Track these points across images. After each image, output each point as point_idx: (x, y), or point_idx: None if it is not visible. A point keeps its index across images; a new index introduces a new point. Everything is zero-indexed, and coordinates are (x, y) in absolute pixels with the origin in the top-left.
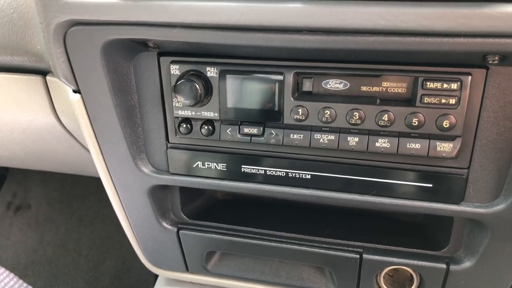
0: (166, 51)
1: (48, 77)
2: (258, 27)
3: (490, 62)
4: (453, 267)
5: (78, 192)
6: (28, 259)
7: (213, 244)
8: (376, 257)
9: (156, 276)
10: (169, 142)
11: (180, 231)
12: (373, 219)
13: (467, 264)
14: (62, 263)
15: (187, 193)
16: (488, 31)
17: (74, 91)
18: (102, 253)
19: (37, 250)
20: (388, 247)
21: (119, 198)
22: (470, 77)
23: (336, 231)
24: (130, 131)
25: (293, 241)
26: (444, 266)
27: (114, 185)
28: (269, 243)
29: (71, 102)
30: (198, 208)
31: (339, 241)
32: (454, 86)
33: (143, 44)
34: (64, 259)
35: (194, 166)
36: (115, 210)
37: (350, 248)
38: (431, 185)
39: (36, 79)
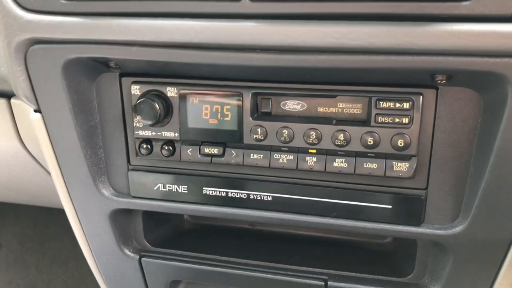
0: (127, 71)
1: (12, 100)
2: (212, 45)
3: (439, 82)
4: None
5: (52, 230)
6: None
7: (176, 273)
8: (341, 284)
9: None
10: (130, 164)
11: (142, 258)
12: (340, 247)
13: None
14: None
15: (150, 219)
16: (431, 48)
17: (35, 111)
18: None
19: None
20: (353, 274)
21: (80, 223)
22: (421, 97)
23: (302, 259)
24: (91, 152)
25: (259, 269)
26: None
27: (75, 209)
28: (235, 271)
29: (31, 122)
30: (163, 236)
31: (304, 268)
32: (406, 105)
33: (104, 64)
34: None
35: (155, 188)
36: (76, 236)
37: (315, 276)
38: (390, 207)
39: (0, 102)
